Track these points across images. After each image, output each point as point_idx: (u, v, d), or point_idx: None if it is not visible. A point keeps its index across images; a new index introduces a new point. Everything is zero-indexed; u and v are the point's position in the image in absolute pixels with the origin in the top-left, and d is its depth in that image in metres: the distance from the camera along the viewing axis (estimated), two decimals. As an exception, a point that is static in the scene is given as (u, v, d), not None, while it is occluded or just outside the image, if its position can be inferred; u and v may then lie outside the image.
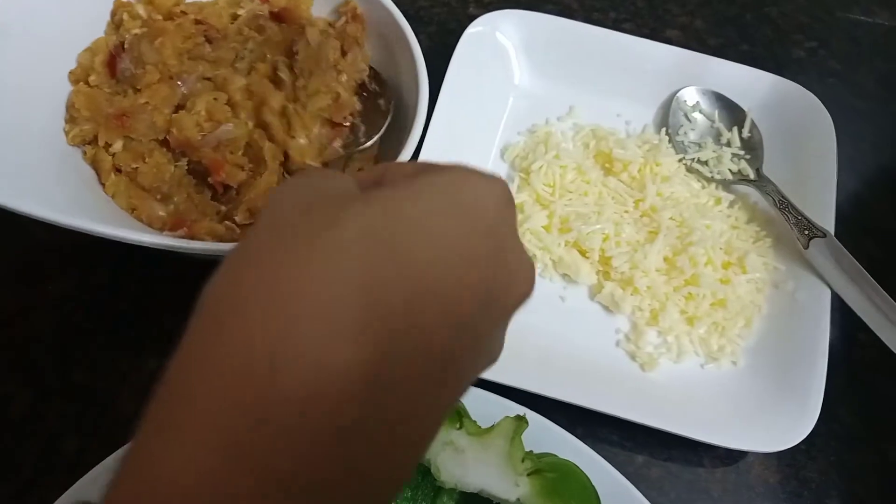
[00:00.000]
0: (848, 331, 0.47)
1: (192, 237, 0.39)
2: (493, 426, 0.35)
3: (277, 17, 0.46)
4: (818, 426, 0.42)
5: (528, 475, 0.34)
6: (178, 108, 0.42)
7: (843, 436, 0.44)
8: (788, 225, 0.46)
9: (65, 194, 0.38)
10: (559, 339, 0.44)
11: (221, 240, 0.39)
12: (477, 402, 0.38)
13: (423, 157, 0.45)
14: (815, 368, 0.42)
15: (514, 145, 0.50)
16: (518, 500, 0.33)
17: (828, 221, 0.46)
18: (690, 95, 0.51)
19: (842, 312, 0.47)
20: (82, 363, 0.43)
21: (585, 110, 0.52)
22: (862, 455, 0.43)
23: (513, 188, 0.48)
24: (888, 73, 0.58)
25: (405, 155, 0.40)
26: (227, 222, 0.40)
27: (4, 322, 0.43)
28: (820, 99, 0.50)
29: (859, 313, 0.43)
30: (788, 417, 0.41)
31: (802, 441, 0.43)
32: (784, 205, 0.46)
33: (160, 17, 0.44)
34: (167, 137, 0.41)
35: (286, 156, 0.42)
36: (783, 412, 0.41)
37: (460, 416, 0.36)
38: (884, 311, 0.41)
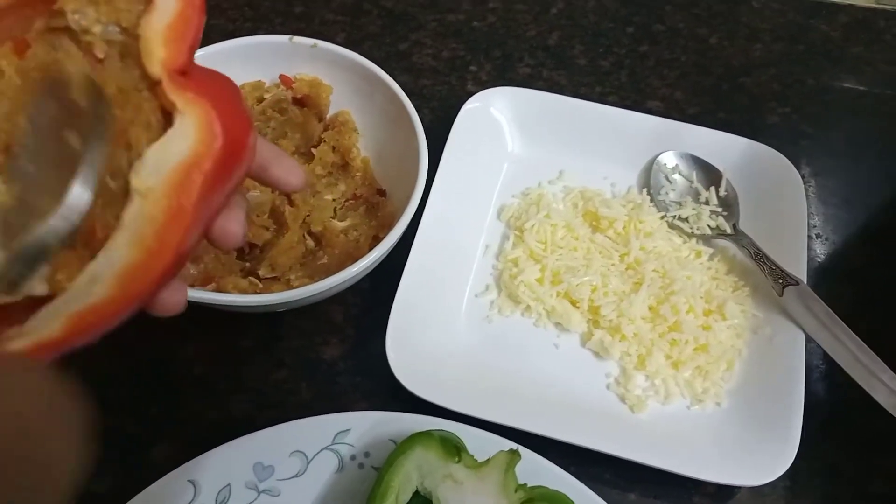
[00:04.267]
0: (827, 373, 0.50)
1: (219, 291, 0.43)
2: (488, 459, 0.38)
3: (299, 102, 0.52)
4: (801, 463, 0.45)
5: (521, 504, 0.37)
6: None
7: (826, 472, 0.46)
8: (764, 275, 0.49)
9: None
10: (553, 383, 0.48)
11: (245, 293, 0.43)
12: (475, 440, 0.41)
13: (426, 218, 0.50)
14: (793, 407, 0.44)
15: (509, 206, 0.55)
16: (512, 526, 0.36)
17: (800, 270, 0.49)
18: (669, 159, 0.56)
19: (822, 356, 0.50)
20: (114, 408, 0.47)
21: (574, 174, 0.56)
22: (844, 489, 0.46)
23: (508, 245, 0.52)
24: (856, 134, 0.62)
25: (407, 214, 0.45)
26: (250, 278, 0.44)
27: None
28: (794, 159, 0.55)
29: (831, 354, 0.46)
30: (770, 453, 0.43)
31: (787, 477, 0.45)
32: (759, 256, 0.50)
33: None
34: None
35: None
36: (765, 448, 0.44)
37: (459, 451, 0.39)
38: (853, 352, 0.44)
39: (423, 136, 0.48)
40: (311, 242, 0.49)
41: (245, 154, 0.26)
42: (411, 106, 0.49)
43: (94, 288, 0.23)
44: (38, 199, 0.23)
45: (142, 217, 0.23)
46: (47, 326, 0.23)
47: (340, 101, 0.54)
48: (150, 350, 0.49)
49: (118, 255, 0.23)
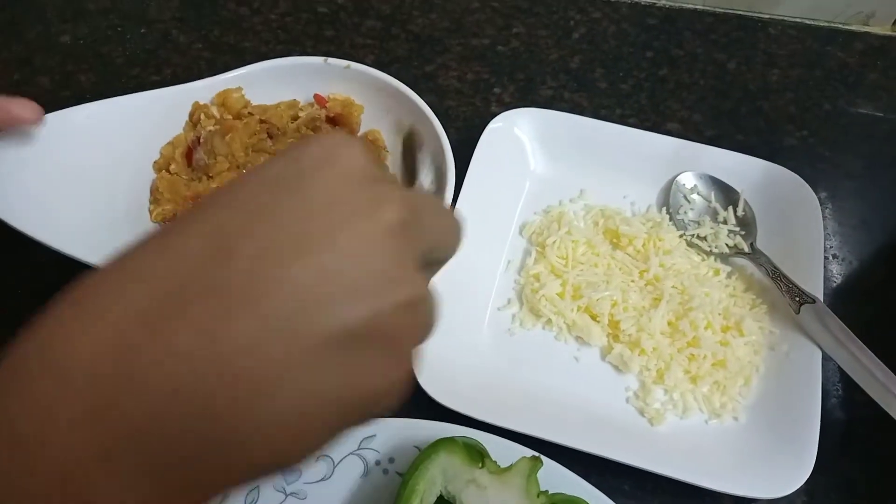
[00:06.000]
0: (845, 392, 0.50)
1: None
2: (511, 465, 0.39)
3: (332, 120, 0.55)
4: (818, 479, 0.45)
5: (543, 509, 0.38)
6: None
7: (842, 488, 0.47)
8: (781, 293, 0.50)
9: None
10: (574, 396, 0.49)
11: None
12: (497, 448, 0.42)
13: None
14: (810, 422, 0.45)
15: (531, 223, 0.56)
16: (534, 531, 0.37)
17: (817, 289, 0.50)
18: (688, 179, 0.57)
19: (839, 376, 0.51)
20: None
21: (595, 193, 0.58)
22: (860, 506, 0.46)
23: (530, 260, 0.54)
24: (873, 157, 0.63)
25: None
26: None
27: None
28: (811, 181, 0.56)
29: (848, 371, 0.46)
30: (787, 467, 0.44)
31: (804, 493, 0.46)
32: (776, 275, 0.51)
33: (230, 117, 0.53)
34: None
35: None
36: (782, 462, 0.44)
37: (482, 457, 0.40)
38: (869, 369, 0.45)
39: (451, 154, 0.50)
40: None
41: None
42: (439, 125, 0.51)
43: None
44: None
45: None
46: None
47: (371, 121, 0.56)
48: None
49: None
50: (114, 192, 0.48)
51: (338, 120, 0.55)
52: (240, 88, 0.54)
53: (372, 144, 0.54)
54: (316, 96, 0.55)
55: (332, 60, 0.54)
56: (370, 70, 0.54)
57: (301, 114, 0.55)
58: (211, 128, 0.51)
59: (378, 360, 0.18)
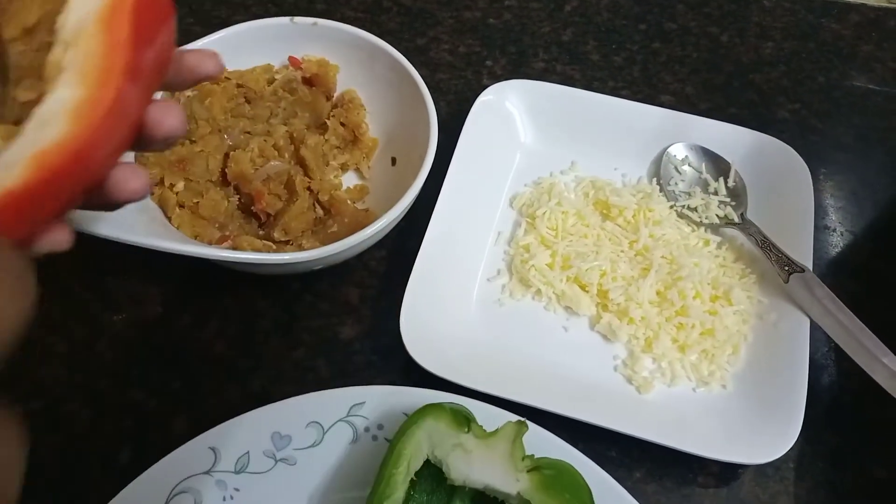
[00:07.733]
0: (833, 360, 0.50)
1: (235, 248, 0.47)
2: (497, 430, 0.40)
3: (309, 81, 0.55)
4: (806, 447, 0.46)
5: (528, 472, 0.38)
6: (226, 154, 0.51)
7: (829, 456, 0.47)
8: (770, 262, 0.50)
9: (143, 226, 0.46)
10: (562, 365, 0.49)
11: (259, 252, 0.47)
12: (484, 414, 0.42)
13: (440, 206, 0.52)
14: (797, 390, 0.45)
15: (521, 195, 0.56)
16: (518, 493, 0.38)
17: (806, 258, 0.50)
18: (679, 150, 0.57)
19: (828, 346, 0.51)
20: (136, 385, 0.48)
21: (585, 165, 0.58)
22: (847, 474, 0.46)
23: (520, 232, 0.54)
24: (865, 129, 0.63)
25: (418, 182, 0.47)
26: (264, 241, 0.48)
27: (73, 349, 0.50)
28: (803, 154, 0.55)
29: (835, 339, 0.47)
30: (774, 433, 0.44)
31: (791, 461, 0.46)
32: (766, 244, 0.51)
33: (208, 82, 0.53)
34: (224, 173, 0.50)
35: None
36: (769, 429, 0.44)
37: (468, 422, 0.40)
38: (856, 337, 0.45)
39: (430, 96, 0.50)
40: (320, 211, 0.51)
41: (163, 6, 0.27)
42: (413, 68, 0.52)
43: (48, 128, 0.23)
44: None
45: (80, 55, 0.23)
46: (7, 173, 0.22)
47: (346, 80, 0.56)
48: (171, 330, 0.51)
49: (65, 94, 0.23)
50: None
51: (313, 80, 0.55)
52: None
53: (350, 104, 0.54)
54: (290, 58, 0.56)
55: (298, 19, 0.54)
56: (339, 25, 0.54)
57: (277, 77, 0.55)
58: (189, 93, 0.52)
59: None
